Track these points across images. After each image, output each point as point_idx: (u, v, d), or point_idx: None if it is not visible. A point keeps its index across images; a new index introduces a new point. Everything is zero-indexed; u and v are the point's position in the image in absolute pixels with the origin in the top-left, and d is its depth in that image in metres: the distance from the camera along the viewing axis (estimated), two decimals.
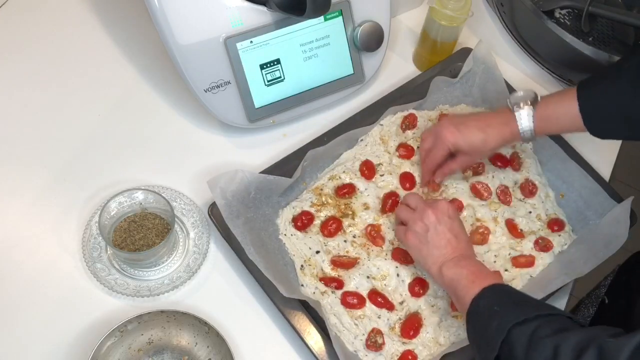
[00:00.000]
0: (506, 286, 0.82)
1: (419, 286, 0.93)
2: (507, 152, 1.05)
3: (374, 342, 0.89)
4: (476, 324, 0.79)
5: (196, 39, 0.94)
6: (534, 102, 0.91)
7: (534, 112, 0.91)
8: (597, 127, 0.89)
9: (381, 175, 1.01)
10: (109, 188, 0.99)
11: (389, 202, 0.99)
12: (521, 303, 0.77)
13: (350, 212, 0.98)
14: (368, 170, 1.00)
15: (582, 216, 1.01)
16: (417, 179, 1.02)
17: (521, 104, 0.91)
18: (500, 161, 1.04)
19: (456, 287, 0.83)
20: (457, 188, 1.01)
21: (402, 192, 1.00)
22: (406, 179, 1.01)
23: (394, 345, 0.90)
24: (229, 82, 0.98)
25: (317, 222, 0.97)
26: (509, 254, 0.98)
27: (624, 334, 0.66)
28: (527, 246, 0.98)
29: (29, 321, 0.90)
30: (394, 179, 1.01)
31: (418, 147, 1.04)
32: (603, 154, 1.09)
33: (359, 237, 0.97)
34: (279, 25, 0.98)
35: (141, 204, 0.93)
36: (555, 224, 1.01)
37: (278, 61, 1.00)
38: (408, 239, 0.90)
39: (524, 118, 0.91)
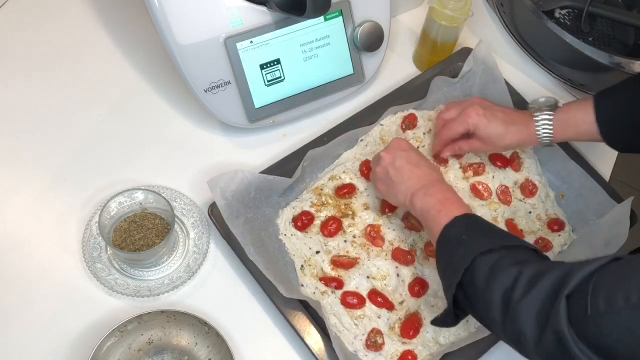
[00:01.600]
0: (478, 217, 0.82)
1: (418, 286, 0.93)
2: (507, 152, 1.05)
3: (373, 342, 0.89)
4: (445, 251, 0.79)
5: (196, 39, 0.94)
6: (554, 107, 0.93)
7: (552, 118, 0.92)
8: (614, 137, 0.90)
9: None
10: (109, 188, 0.99)
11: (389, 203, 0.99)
12: (489, 233, 0.78)
13: (350, 212, 0.98)
14: (368, 170, 1.00)
15: (582, 216, 1.01)
16: None
17: (542, 108, 0.93)
18: (500, 161, 1.04)
19: (426, 217, 0.83)
20: (457, 188, 1.01)
21: None
22: None
23: (393, 345, 0.90)
24: (229, 82, 0.98)
25: (317, 222, 0.97)
26: None
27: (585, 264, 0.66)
28: None
29: (29, 321, 0.90)
30: None
31: (418, 147, 1.04)
32: (603, 154, 1.09)
33: (359, 237, 0.97)
34: (279, 25, 0.98)
35: (141, 204, 0.93)
36: (555, 224, 1.01)
37: (278, 61, 1.00)
38: (378, 189, 0.92)
39: (543, 123, 0.92)
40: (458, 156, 1.04)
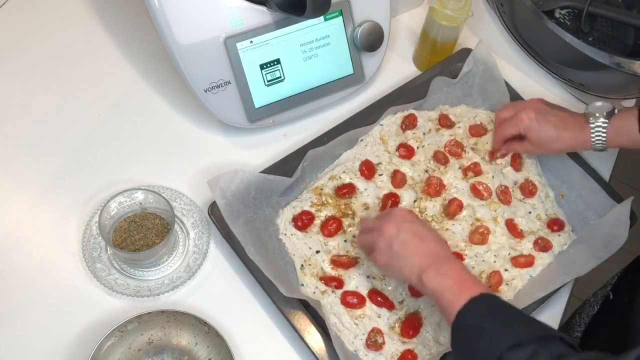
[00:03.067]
0: (493, 297, 0.76)
1: None
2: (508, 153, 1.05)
3: (374, 341, 0.89)
4: (462, 340, 0.75)
5: (196, 39, 0.94)
6: (610, 113, 0.93)
7: (607, 125, 0.92)
8: None
9: (380, 175, 1.01)
10: (109, 188, 0.99)
11: (389, 203, 0.98)
12: (512, 321, 0.73)
13: (350, 212, 0.98)
14: (368, 170, 1.00)
15: (582, 216, 1.01)
16: (409, 179, 1.01)
17: (597, 115, 0.93)
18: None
19: (441, 299, 0.78)
20: (457, 188, 1.01)
21: (400, 192, 1.00)
22: (396, 178, 1.01)
23: (394, 345, 0.90)
24: (229, 82, 0.98)
25: (317, 222, 0.97)
26: (509, 254, 0.98)
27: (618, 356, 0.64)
28: (526, 246, 0.98)
29: (29, 321, 0.90)
30: None
31: (418, 147, 1.04)
32: (603, 154, 1.09)
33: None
34: (279, 25, 0.98)
35: (141, 204, 0.93)
36: (555, 224, 1.01)
37: (278, 61, 1.00)
38: (378, 261, 0.85)
39: (598, 128, 0.92)
40: (457, 156, 1.04)
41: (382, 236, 0.84)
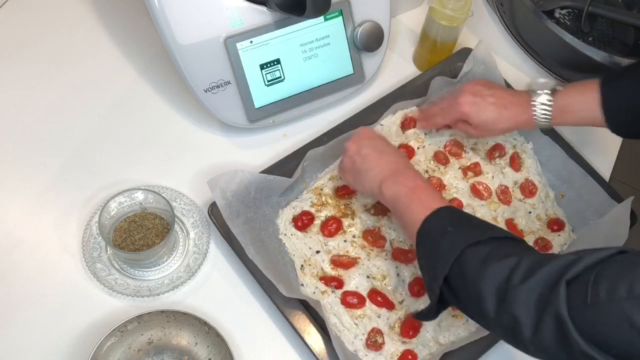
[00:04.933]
0: (459, 210, 0.81)
1: (418, 286, 0.93)
2: (508, 152, 1.05)
3: (374, 341, 0.89)
4: (427, 243, 0.78)
5: (196, 39, 0.94)
6: (554, 91, 0.91)
7: (552, 102, 0.90)
8: (619, 124, 0.88)
9: None
10: (109, 188, 0.99)
11: None
12: (476, 225, 0.77)
13: (350, 212, 0.98)
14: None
15: (582, 216, 1.01)
16: None
17: (539, 92, 0.91)
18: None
19: (397, 206, 0.83)
20: (457, 188, 1.01)
21: None
22: None
23: (394, 345, 0.90)
24: (229, 82, 0.98)
25: (317, 222, 0.97)
26: None
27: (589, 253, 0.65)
28: None
29: (29, 321, 0.90)
30: None
31: (418, 148, 1.04)
32: (603, 154, 1.09)
33: (358, 237, 0.97)
34: (279, 25, 0.98)
35: (141, 204, 0.93)
36: (554, 224, 1.01)
37: (278, 61, 1.00)
38: (345, 178, 0.92)
39: (541, 106, 0.91)
40: (457, 156, 1.04)
41: (346, 154, 0.91)
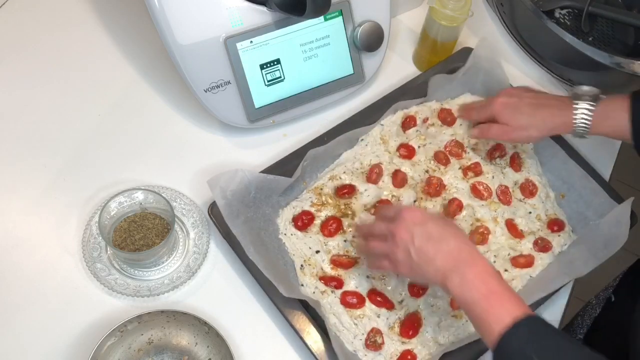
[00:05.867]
0: (538, 320, 0.72)
1: (418, 286, 0.93)
2: (508, 152, 1.05)
3: (373, 341, 0.89)
4: None
5: (196, 39, 0.94)
6: (596, 97, 0.90)
7: (594, 109, 0.89)
8: None
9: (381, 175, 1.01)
10: (109, 188, 0.99)
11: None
12: (560, 350, 0.69)
13: (350, 212, 0.98)
14: (377, 174, 1.00)
15: (582, 216, 1.01)
16: (409, 179, 1.01)
17: (583, 97, 0.90)
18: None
19: (472, 313, 0.74)
20: (457, 188, 1.01)
21: (400, 192, 1.00)
22: (397, 178, 1.01)
23: (393, 345, 0.90)
24: (229, 82, 0.98)
25: (317, 221, 0.97)
26: (509, 254, 0.98)
27: None
28: (526, 246, 0.98)
29: (29, 321, 0.90)
30: None
31: (419, 147, 1.04)
32: (603, 154, 1.09)
33: (358, 237, 0.97)
34: (279, 25, 0.98)
35: (141, 204, 0.93)
36: (555, 225, 1.01)
37: (278, 61, 1.00)
38: (400, 271, 0.82)
39: (582, 112, 0.89)
40: (457, 156, 1.04)
41: (397, 245, 0.80)
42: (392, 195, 1.00)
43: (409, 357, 0.89)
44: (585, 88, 0.90)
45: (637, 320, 0.91)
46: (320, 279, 0.93)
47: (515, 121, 0.93)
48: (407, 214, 0.80)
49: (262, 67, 0.99)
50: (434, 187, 1.00)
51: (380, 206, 0.96)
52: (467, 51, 1.10)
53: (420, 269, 0.79)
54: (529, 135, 0.95)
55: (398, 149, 1.04)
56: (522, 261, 0.97)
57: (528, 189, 1.03)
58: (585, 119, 0.89)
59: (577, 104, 0.90)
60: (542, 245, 0.98)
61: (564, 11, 1.19)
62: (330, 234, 0.96)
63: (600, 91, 0.90)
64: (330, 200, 0.99)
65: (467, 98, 1.08)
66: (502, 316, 0.71)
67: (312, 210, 0.98)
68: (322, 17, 1.00)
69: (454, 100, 1.08)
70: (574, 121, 0.90)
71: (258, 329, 0.92)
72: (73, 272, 0.93)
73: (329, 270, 0.94)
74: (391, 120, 1.05)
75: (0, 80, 1.07)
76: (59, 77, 1.09)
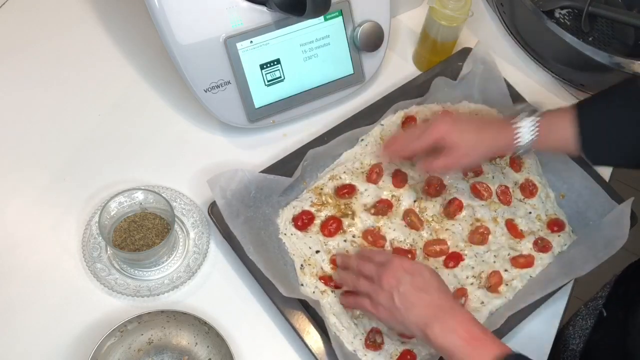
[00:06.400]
0: (521, 357, 0.74)
1: None
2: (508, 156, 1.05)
3: (373, 341, 0.89)
4: None
5: (196, 39, 0.94)
6: (533, 112, 0.89)
7: (538, 123, 0.88)
8: (594, 152, 0.87)
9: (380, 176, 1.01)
10: (109, 188, 0.99)
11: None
12: None
13: (350, 212, 0.98)
14: (378, 174, 1.00)
15: (583, 217, 1.01)
16: (409, 179, 1.01)
17: (523, 115, 0.89)
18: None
19: (453, 354, 0.76)
20: (457, 188, 1.01)
21: (400, 192, 1.00)
22: (397, 178, 1.01)
23: (393, 345, 0.90)
24: (229, 82, 0.98)
25: (317, 221, 0.97)
26: (509, 254, 0.98)
27: None
28: (526, 246, 0.98)
29: (29, 321, 0.90)
30: None
31: None
32: None
33: (358, 237, 0.97)
34: (279, 25, 0.98)
35: (141, 204, 0.93)
36: (555, 225, 1.01)
37: (278, 61, 1.00)
38: (379, 313, 0.83)
39: (525, 129, 0.88)
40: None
41: (383, 287, 0.82)
42: (392, 195, 1.00)
43: (409, 357, 0.89)
44: (521, 106, 0.90)
45: (633, 342, 0.90)
46: (320, 278, 0.93)
47: (464, 141, 0.89)
48: (397, 261, 0.83)
49: (262, 67, 0.99)
50: (434, 187, 1.00)
51: (370, 249, 0.94)
52: (467, 51, 1.10)
53: (400, 315, 0.80)
54: (478, 157, 0.92)
55: None
56: (522, 261, 0.97)
57: (528, 189, 1.03)
58: (526, 134, 0.88)
59: (516, 122, 0.89)
60: (542, 245, 0.98)
61: (564, 11, 1.19)
62: (330, 234, 0.96)
63: (536, 107, 0.89)
64: (330, 200, 0.99)
65: (465, 105, 1.08)
66: (484, 357, 0.73)
67: (312, 210, 0.98)
68: (322, 17, 1.00)
69: (454, 106, 1.08)
70: (518, 138, 0.89)
71: (258, 329, 0.93)
72: (73, 272, 0.93)
73: (329, 270, 0.94)
74: (391, 121, 1.05)
75: (0, 80, 1.07)
76: (58, 78, 1.09)
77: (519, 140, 0.88)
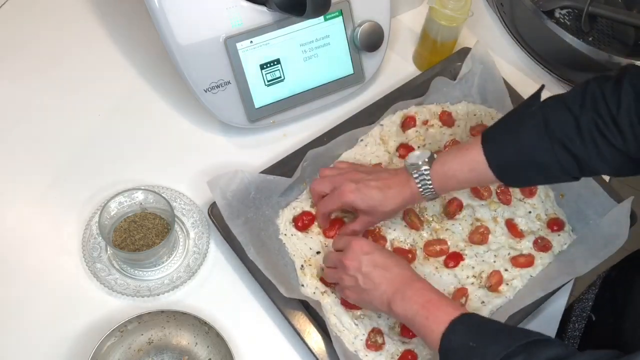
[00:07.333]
0: (474, 315, 0.77)
1: None
2: None
3: (374, 342, 0.89)
4: None
5: (196, 39, 0.94)
6: (430, 159, 0.88)
7: (429, 172, 0.87)
8: (512, 177, 0.86)
9: None
10: (109, 188, 0.99)
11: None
12: (497, 333, 0.73)
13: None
14: None
15: (582, 216, 1.01)
16: None
17: (417, 163, 0.88)
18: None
19: (414, 325, 0.79)
20: None
21: None
22: None
23: (394, 345, 0.90)
24: (229, 82, 0.98)
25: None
26: (509, 254, 0.98)
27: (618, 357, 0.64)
28: (526, 246, 0.98)
29: (29, 321, 0.90)
30: None
31: (419, 147, 1.04)
32: None
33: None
34: (279, 25, 0.98)
35: (141, 204, 0.93)
36: (554, 224, 1.01)
37: (278, 61, 1.00)
38: (348, 297, 0.87)
39: (422, 178, 0.88)
40: None
41: (346, 272, 0.85)
42: None
43: (410, 357, 0.89)
44: (416, 154, 0.89)
45: (625, 345, 0.90)
46: (321, 279, 0.93)
47: (371, 206, 0.90)
48: (355, 244, 0.85)
49: (262, 67, 0.99)
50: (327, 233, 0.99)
51: (334, 238, 0.95)
52: (466, 51, 1.10)
53: (367, 295, 0.83)
54: (388, 214, 0.92)
55: (398, 149, 1.04)
56: (522, 261, 0.97)
57: (528, 189, 1.03)
58: (427, 185, 0.88)
59: (415, 173, 0.88)
60: (542, 245, 0.98)
61: (564, 11, 1.19)
62: (331, 235, 0.96)
63: (431, 152, 0.89)
64: None
65: (464, 106, 1.08)
66: (440, 318, 0.76)
67: (313, 210, 0.98)
68: (322, 17, 1.00)
69: (454, 106, 1.08)
70: (419, 190, 0.89)
71: (258, 329, 0.92)
72: (73, 272, 0.93)
73: None
74: (391, 121, 1.05)
75: (0, 80, 1.07)
76: (58, 77, 1.09)
77: (421, 190, 0.89)
